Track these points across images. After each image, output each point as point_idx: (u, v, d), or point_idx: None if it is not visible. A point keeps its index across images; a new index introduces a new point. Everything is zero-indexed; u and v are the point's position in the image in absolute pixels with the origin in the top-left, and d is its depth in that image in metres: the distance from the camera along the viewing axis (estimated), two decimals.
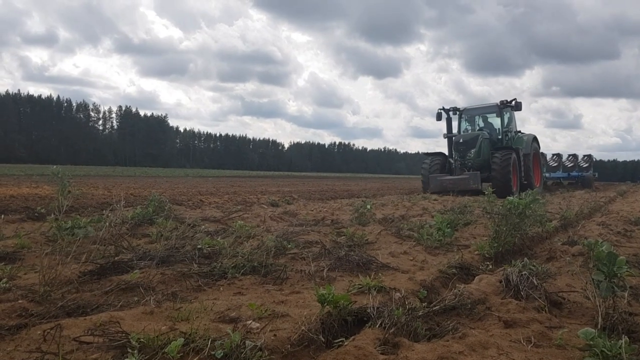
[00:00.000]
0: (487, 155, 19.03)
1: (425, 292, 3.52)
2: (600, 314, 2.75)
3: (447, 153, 20.94)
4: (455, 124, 21.68)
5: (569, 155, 30.92)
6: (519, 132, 21.34)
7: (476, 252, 5.18)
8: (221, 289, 3.55)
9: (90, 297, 3.08)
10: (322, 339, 2.48)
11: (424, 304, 3.05)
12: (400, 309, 2.70)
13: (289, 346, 2.42)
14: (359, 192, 20.53)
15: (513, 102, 20.23)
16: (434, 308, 2.99)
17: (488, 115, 21.27)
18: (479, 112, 21.38)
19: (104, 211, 4.94)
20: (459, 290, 3.29)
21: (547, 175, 25.27)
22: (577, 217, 9.27)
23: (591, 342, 2.27)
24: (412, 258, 4.89)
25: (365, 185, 32.96)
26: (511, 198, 5.33)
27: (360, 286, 3.47)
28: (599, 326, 2.65)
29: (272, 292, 3.48)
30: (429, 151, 21.54)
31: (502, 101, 20.15)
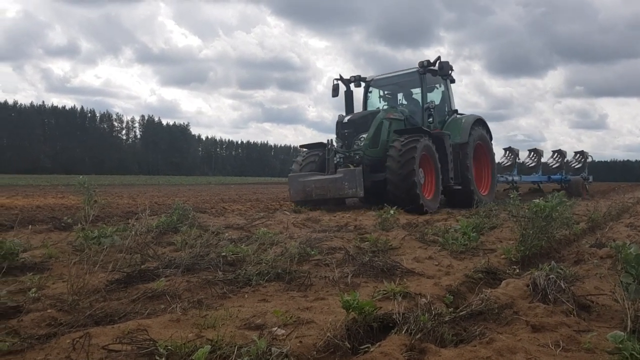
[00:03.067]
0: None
1: (452, 297, 3.50)
2: (629, 316, 2.70)
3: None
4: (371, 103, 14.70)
5: (554, 153, 22.32)
6: (457, 112, 14.37)
7: (502, 256, 5.13)
8: (246, 296, 3.58)
9: (118, 306, 3.13)
10: (348, 345, 2.48)
11: (450, 309, 3.04)
12: (427, 315, 2.69)
13: (315, 353, 2.43)
14: None
15: (437, 64, 13.03)
16: (461, 313, 2.97)
17: (413, 90, 14.04)
18: (394, 83, 14.30)
19: (130, 220, 5.04)
20: (486, 295, 3.26)
21: (513, 178, 18.11)
22: (605, 219, 9.11)
23: (620, 346, 2.23)
24: (437, 263, 4.86)
25: None
26: (537, 201, 5.25)
27: (385, 292, 3.47)
28: (628, 329, 2.61)
29: (297, 298, 3.50)
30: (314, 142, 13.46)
31: (423, 62, 13.08)
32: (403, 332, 2.55)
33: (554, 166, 21.65)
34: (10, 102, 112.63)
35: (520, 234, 5.29)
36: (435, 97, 14.12)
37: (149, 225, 6.07)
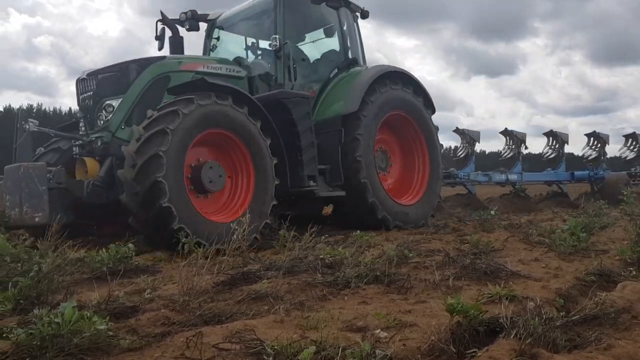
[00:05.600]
0: None
1: (562, 301, 3.35)
2: None
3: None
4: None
5: (590, 135, 15.32)
6: (355, 61, 8.94)
7: (617, 258, 4.83)
8: (345, 298, 3.62)
9: (225, 306, 3.28)
10: (453, 350, 2.45)
11: (561, 314, 2.90)
12: (536, 319, 2.60)
13: (419, 356, 2.42)
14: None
15: None
16: (573, 318, 2.84)
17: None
18: (252, 20, 8.91)
19: (231, 224, 5.28)
20: (600, 299, 3.09)
21: (508, 177, 13.10)
22: None
23: None
24: (544, 265, 4.67)
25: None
26: None
27: (489, 295, 3.38)
28: None
29: (397, 301, 3.50)
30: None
31: None
32: (512, 336, 2.47)
33: (589, 157, 15.27)
34: None
35: (636, 233, 4.95)
36: (330, 44, 9.07)
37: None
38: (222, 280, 3.95)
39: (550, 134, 14.97)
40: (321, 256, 4.76)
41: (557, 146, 14.79)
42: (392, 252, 4.84)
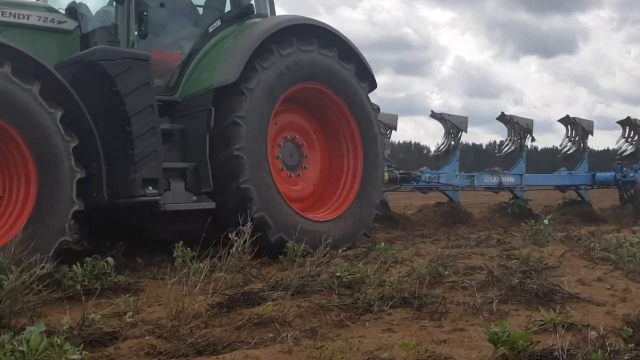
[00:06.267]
0: None
1: (630, 330, 3.32)
2: None
3: None
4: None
5: (626, 124, 13.36)
6: (249, 10, 7.18)
7: None
8: (367, 324, 3.62)
9: (221, 333, 3.29)
10: None
11: (629, 346, 2.88)
12: (599, 352, 2.58)
13: None
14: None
15: None
16: None
17: None
18: None
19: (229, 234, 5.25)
20: None
21: (500, 180, 11.57)
22: None
23: None
24: (609, 286, 4.63)
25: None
26: None
27: (542, 322, 3.37)
28: None
29: (429, 329, 3.49)
30: None
31: None
32: None
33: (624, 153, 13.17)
34: None
35: None
36: None
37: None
38: (218, 301, 3.96)
39: (567, 120, 13.20)
40: (337, 273, 4.75)
41: (577, 138, 12.94)
42: (424, 269, 4.82)
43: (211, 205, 6.24)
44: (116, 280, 4.73)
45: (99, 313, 3.61)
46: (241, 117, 6.28)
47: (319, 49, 6.95)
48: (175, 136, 6.26)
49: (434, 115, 12.16)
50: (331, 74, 7.07)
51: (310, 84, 6.99)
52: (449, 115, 11.93)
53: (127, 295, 4.35)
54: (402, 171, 9.92)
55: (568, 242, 7.24)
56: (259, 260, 5.58)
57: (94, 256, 4.90)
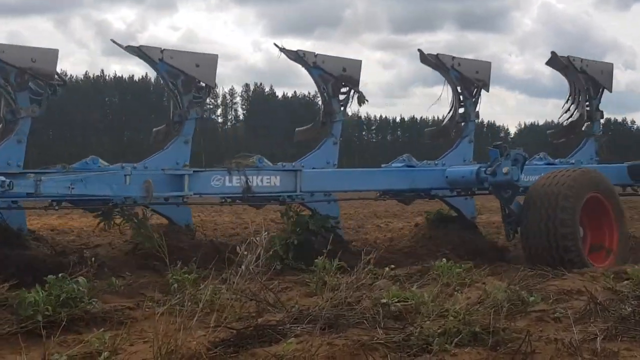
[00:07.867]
0: None
1: None
2: None
3: None
4: None
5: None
6: None
7: None
8: None
9: None
10: None
11: None
12: None
13: None
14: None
15: None
16: None
17: None
18: None
19: (237, 247, 5.25)
20: None
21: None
22: None
23: None
24: None
25: None
26: None
27: None
28: None
29: None
30: None
31: None
32: None
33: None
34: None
35: None
36: None
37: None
38: (222, 337, 3.92)
39: None
40: (383, 300, 4.72)
41: None
42: (501, 294, 4.79)
43: None
44: (89, 307, 4.74)
45: (65, 353, 3.62)
46: None
47: None
48: None
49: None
50: None
51: None
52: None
53: (103, 328, 4.34)
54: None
55: None
56: (276, 281, 5.56)
57: (60, 275, 4.91)
